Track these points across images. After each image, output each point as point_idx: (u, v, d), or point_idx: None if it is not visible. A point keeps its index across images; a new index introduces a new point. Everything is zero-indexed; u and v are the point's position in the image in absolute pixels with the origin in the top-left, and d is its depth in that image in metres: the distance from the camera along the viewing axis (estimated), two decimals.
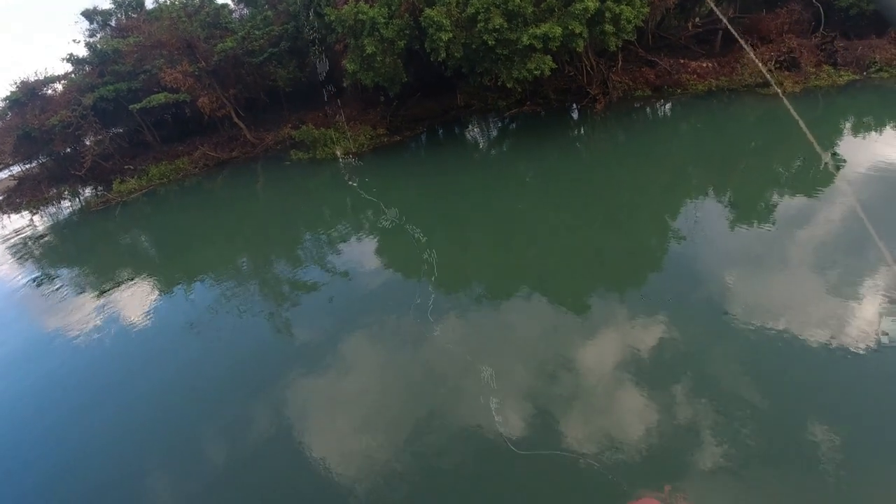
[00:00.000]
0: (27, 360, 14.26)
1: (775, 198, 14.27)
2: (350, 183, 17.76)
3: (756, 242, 12.19)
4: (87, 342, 14.31)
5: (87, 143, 34.97)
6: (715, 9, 9.15)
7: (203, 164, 32.44)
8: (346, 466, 8.35)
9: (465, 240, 15.84)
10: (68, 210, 33.58)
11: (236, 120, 32.66)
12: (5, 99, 33.49)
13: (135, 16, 36.30)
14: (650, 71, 25.95)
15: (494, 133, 27.87)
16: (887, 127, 17.79)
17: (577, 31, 19.51)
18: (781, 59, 23.10)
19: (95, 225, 27.87)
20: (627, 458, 7.39)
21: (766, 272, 11.07)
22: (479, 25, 20.26)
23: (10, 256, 25.53)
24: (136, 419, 10.68)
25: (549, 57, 20.69)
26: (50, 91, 34.30)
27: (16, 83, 32.99)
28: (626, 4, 19.85)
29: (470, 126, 29.20)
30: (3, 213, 37.00)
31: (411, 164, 25.59)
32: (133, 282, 17.97)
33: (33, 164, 40.01)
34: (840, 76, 21.99)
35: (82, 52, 34.52)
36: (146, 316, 15.09)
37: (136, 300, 16.28)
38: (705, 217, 14.01)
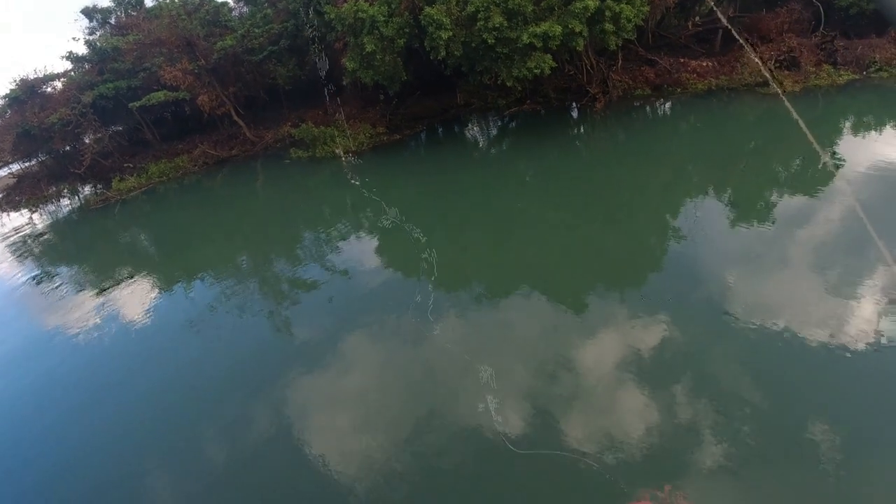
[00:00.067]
0: (27, 359, 14.26)
1: (775, 197, 14.27)
2: (353, 182, 17.75)
3: (755, 242, 12.19)
4: (87, 340, 14.31)
5: (87, 140, 34.89)
6: (715, 9, 9.13)
7: (203, 162, 32.40)
8: (345, 465, 8.36)
9: (465, 238, 15.83)
10: (68, 208, 33.56)
11: (236, 118, 32.61)
12: (5, 97, 33.36)
13: (134, 13, 36.18)
14: (650, 70, 25.92)
15: (494, 132, 27.86)
16: (887, 126, 17.78)
17: (577, 29, 19.49)
18: (781, 58, 23.09)
19: (95, 223, 27.84)
20: (627, 458, 7.40)
21: (765, 271, 11.08)
22: (478, 24, 20.23)
23: (9, 254, 25.50)
24: (136, 418, 10.68)
25: (548, 56, 20.66)
26: (49, 89, 34.19)
27: (15, 81, 32.93)
28: (626, 3, 19.83)
29: (469, 125, 29.18)
30: (3, 210, 36.97)
31: (411, 163, 25.58)
32: (132, 280, 17.96)
33: (33, 162, 39.93)
34: (840, 76, 21.97)
35: (82, 49, 34.51)
36: (146, 314, 15.08)
37: (136, 298, 16.28)
38: (705, 216, 14.01)
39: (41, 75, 33.78)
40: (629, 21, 20.06)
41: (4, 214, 36.05)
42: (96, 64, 33.62)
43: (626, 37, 21.18)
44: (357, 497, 7.78)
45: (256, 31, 30.40)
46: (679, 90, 24.69)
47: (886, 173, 14.13)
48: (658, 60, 25.97)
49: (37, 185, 37.77)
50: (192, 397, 11.01)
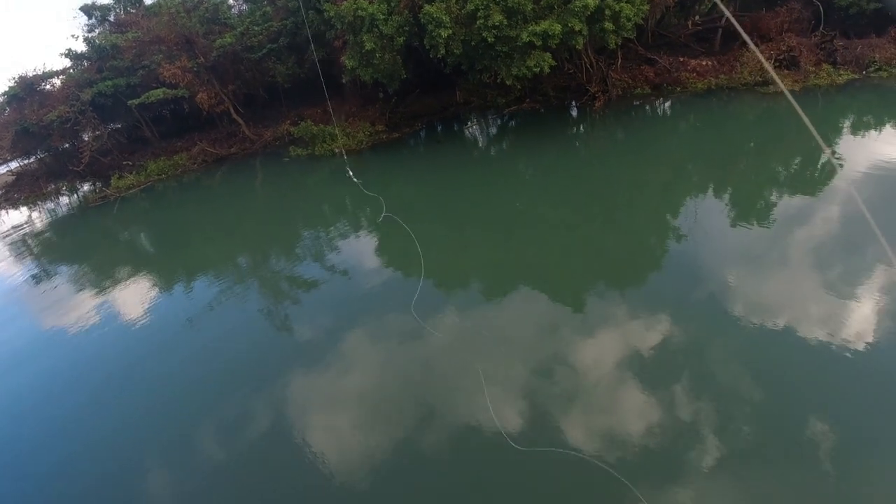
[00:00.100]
0: (26, 357, 14.22)
1: (774, 196, 14.28)
2: (354, 179, 17.72)
3: (755, 241, 12.20)
4: (86, 338, 14.27)
5: (86, 138, 34.80)
6: (719, 3, 9.14)
7: (202, 159, 32.32)
8: (345, 462, 8.36)
9: (464, 237, 15.82)
10: (66, 206, 33.47)
11: (235, 116, 32.54)
12: (3, 94, 33.27)
13: (133, 11, 36.07)
14: (650, 69, 25.89)
15: (493, 130, 27.83)
16: (887, 126, 17.80)
17: (577, 28, 19.47)
18: (781, 57, 23.07)
19: (93, 221, 27.78)
20: (627, 455, 7.40)
21: (765, 271, 11.09)
22: (478, 22, 20.20)
23: (8, 252, 25.45)
24: (136, 416, 10.66)
25: (548, 54, 20.64)
26: (48, 86, 34.03)
27: (14, 79, 32.84)
28: (626, 2, 19.80)
29: (469, 123, 29.14)
30: (2, 208, 36.86)
31: (410, 161, 25.56)
32: (132, 278, 17.94)
33: (31, 160, 39.78)
34: (839, 75, 21.96)
35: (81, 47, 34.34)
36: (145, 312, 15.06)
37: (135, 296, 16.25)
38: (705, 215, 14.01)
39: (40, 73, 33.70)
40: (629, 20, 20.05)
41: (3, 212, 35.95)
42: (95, 61, 33.48)
43: (625, 35, 21.16)
44: (357, 494, 7.78)
45: (256, 28, 30.34)
46: (679, 89, 24.68)
47: (886, 172, 14.14)
48: (658, 59, 25.95)
49: (35, 183, 37.67)
50: (191, 394, 11.01)
